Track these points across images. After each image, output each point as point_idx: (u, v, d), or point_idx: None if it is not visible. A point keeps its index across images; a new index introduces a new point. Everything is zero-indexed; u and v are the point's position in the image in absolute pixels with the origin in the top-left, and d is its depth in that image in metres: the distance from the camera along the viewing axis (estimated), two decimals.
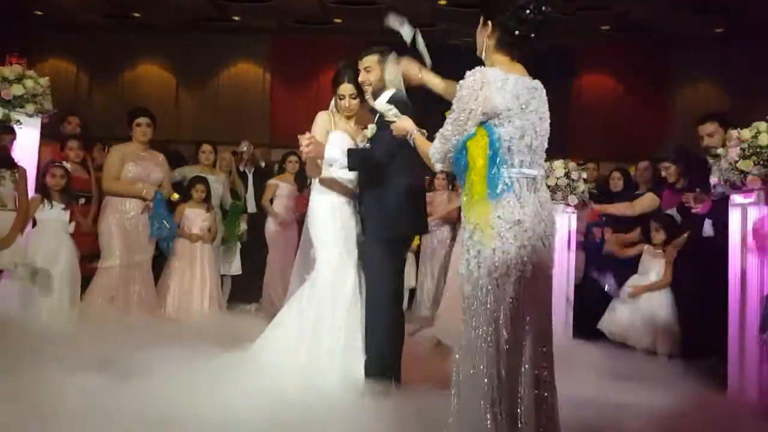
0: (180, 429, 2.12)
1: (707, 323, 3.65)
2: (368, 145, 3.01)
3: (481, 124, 2.16)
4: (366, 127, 3.06)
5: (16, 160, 3.99)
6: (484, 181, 2.12)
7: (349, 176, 3.10)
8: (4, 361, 2.89)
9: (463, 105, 2.17)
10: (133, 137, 4.69)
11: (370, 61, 3.03)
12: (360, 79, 3.07)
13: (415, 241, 6.03)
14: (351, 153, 2.93)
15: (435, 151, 2.25)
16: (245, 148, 6.37)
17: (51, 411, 2.25)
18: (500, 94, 2.15)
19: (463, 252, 2.20)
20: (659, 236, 4.25)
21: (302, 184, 5.64)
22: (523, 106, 2.18)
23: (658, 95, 10.09)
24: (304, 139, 2.86)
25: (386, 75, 2.94)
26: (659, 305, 4.13)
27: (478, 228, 2.12)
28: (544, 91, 2.29)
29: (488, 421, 2.08)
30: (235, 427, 2.24)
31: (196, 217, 5.07)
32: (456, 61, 2.53)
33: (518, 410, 2.10)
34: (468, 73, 2.21)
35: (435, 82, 2.68)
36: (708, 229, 3.77)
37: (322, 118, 3.20)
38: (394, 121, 2.55)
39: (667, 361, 4.01)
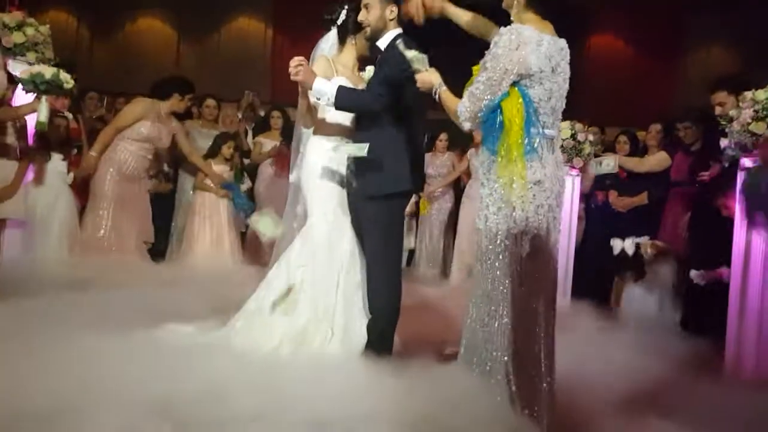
0: (173, 394, 2.05)
1: (711, 295, 3.62)
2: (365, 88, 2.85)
3: (514, 84, 2.16)
4: (364, 70, 2.91)
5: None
6: (521, 141, 2.13)
7: (341, 118, 2.92)
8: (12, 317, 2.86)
9: (497, 64, 2.15)
10: (169, 103, 4.70)
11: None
12: (359, 18, 2.85)
13: (423, 209, 6.00)
14: (341, 89, 2.72)
15: (464, 109, 2.21)
16: (250, 98, 6.29)
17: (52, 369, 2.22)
18: (535, 55, 2.15)
19: (481, 208, 2.26)
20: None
21: (289, 141, 5.50)
22: (554, 68, 2.20)
23: (669, 59, 9.88)
24: (293, 62, 2.70)
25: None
26: (665, 274, 4.16)
27: (510, 186, 2.15)
28: (571, 50, 2.27)
29: (500, 369, 2.15)
30: (229, 389, 2.16)
31: (221, 173, 5.10)
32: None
33: (532, 355, 2.16)
34: (503, 30, 2.18)
35: (458, 14, 2.62)
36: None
37: (321, 64, 2.97)
38: (418, 71, 2.42)
39: (670, 329, 4.04)
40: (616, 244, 3.86)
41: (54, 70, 3.67)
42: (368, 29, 2.83)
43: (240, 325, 2.92)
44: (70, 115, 4.46)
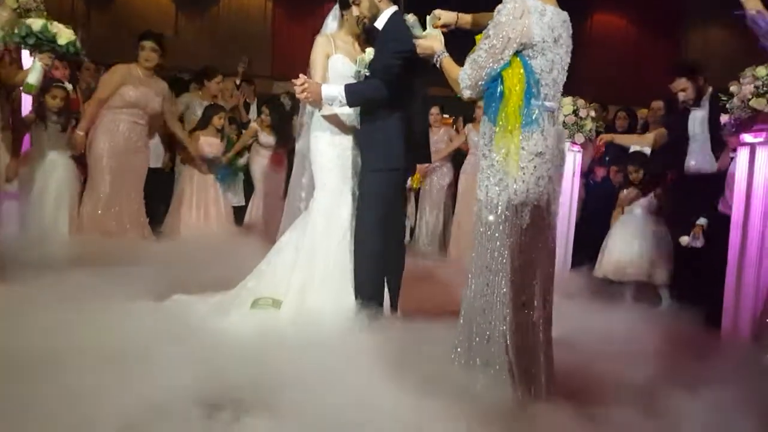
0: (171, 358, 2.11)
1: (699, 257, 3.75)
2: (366, 71, 2.90)
3: (516, 54, 2.15)
4: (365, 51, 2.94)
5: None
6: (519, 111, 2.13)
7: (350, 111, 3.00)
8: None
9: (500, 32, 2.13)
10: (139, 60, 4.52)
11: None
12: (354, 14, 2.95)
13: (415, 183, 5.99)
14: (348, 90, 2.80)
15: (466, 76, 2.20)
16: (244, 64, 6.23)
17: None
18: (539, 24, 2.14)
19: (481, 179, 2.27)
20: (638, 175, 4.42)
21: (283, 137, 5.42)
22: (556, 39, 2.18)
23: (670, 37, 9.82)
24: (297, 83, 2.76)
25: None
26: (654, 236, 4.23)
27: (508, 157, 2.15)
28: (574, 25, 2.26)
29: (498, 339, 2.18)
30: (228, 354, 2.22)
31: (210, 146, 5.05)
32: None
33: (530, 325, 2.19)
34: None
35: (465, 20, 2.60)
36: (691, 165, 3.88)
37: (320, 43, 3.02)
38: (418, 37, 2.42)
39: (662, 290, 4.16)
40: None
41: (43, 21, 3.36)
42: (366, 20, 2.91)
43: (251, 285, 3.01)
44: (70, 86, 4.36)
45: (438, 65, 2.36)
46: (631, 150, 4.63)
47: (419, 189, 6.36)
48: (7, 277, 3.07)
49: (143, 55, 4.50)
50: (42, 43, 3.37)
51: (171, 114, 4.83)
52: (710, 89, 3.88)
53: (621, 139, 4.73)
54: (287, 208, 3.44)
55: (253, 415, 1.86)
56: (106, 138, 4.41)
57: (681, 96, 3.88)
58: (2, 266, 3.22)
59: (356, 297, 2.87)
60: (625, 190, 4.47)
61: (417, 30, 2.43)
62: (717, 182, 3.74)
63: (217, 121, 5.03)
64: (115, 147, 4.43)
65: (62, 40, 3.47)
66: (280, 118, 5.48)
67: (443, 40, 2.44)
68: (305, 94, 2.77)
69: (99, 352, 2.16)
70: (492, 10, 2.21)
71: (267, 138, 5.55)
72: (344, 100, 2.79)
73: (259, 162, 5.60)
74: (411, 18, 2.46)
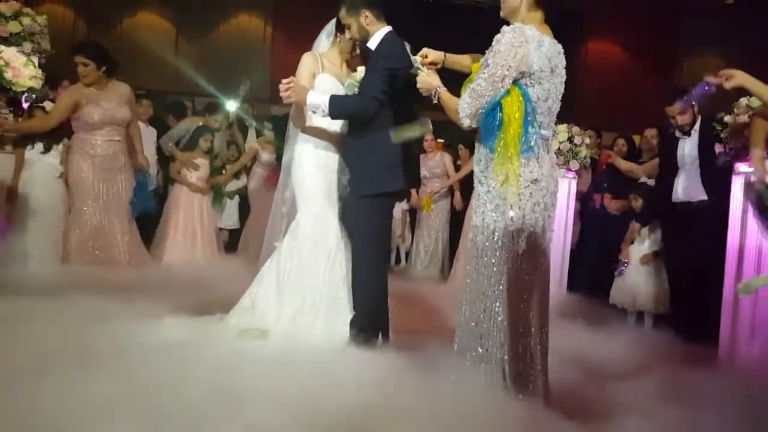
0: (159, 391, 2.02)
1: (693, 285, 3.75)
2: (357, 90, 2.88)
3: (514, 82, 2.19)
4: (356, 70, 2.93)
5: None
6: (518, 138, 2.16)
7: (335, 126, 2.97)
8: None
9: (500, 61, 2.17)
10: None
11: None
12: (347, 37, 2.98)
13: (427, 207, 5.98)
14: (333, 100, 2.76)
15: (466, 106, 2.23)
16: (245, 88, 6.28)
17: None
18: (537, 54, 2.19)
19: (477, 205, 2.30)
20: (638, 204, 4.50)
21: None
22: (553, 69, 2.23)
23: (664, 66, 9.96)
24: (285, 81, 2.74)
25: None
26: (655, 269, 4.29)
27: (506, 183, 2.18)
28: (569, 54, 2.33)
29: (495, 365, 2.17)
30: (216, 387, 2.11)
31: (200, 166, 5.06)
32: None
33: (528, 353, 2.18)
34: (505, 28, 2.21)
35: (464, 63, 2.64)
36: (679, 193, 3.88)
37: (307, 60, 3.00)
38: (418, 74, 2.48)
39: (653, 320, 4.22)
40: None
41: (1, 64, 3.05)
42: (356, 42, 2.94)
43: (234, 321, 2.95)
44: (50, 104, 4.23)
45: (436, 99, 2.40)
46: (641, 180, 4.65)
47: (414, 212, 6.36)
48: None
49: (78, 71, 4.12)
50: None
51: (132, 118, 4.47)
52: (699, 117, 3.88)
53: (622, 163, 4.76)
54: (268, 231, 3.33)
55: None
56: (85, 162, 4.18)
57: (678, 120, 3.86)
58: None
59: (354, 328, 2.81)
60: (634, 221, 4.52)
61: (416, 65, 2.50)
62: (706, 210, 3.73)
63: (203, 143, 5.03)
64: (96, 170, 4.20)
65: (18, 87, 3.24)
66: (283, 135, 5.50)
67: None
68: (289, 92, 2.72)
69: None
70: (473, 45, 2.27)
71: (269, 156, 5.56)
72: (326, 110, 2.74)
73: (258, 183, 5.62)
74: (414, 58, 2.52)
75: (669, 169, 3.98)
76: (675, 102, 3.73)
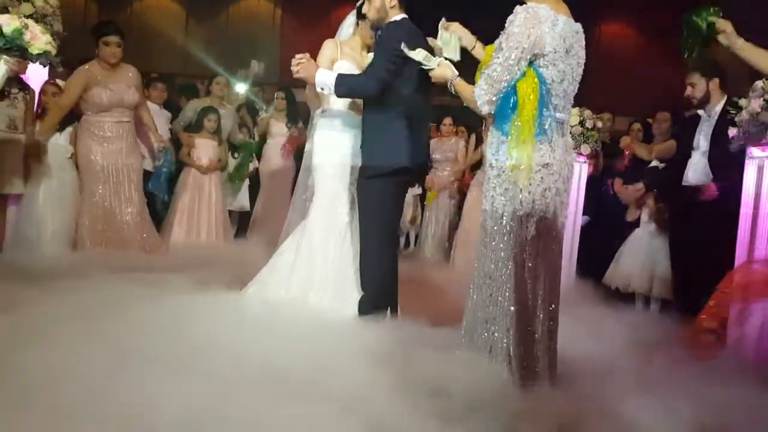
0: (171, 362, 2.08)
1: (699, 271, 3.65)
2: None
3: (529, 64, 2.15)
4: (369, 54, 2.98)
5: (26, 81, 3.95)
6: (533, 121, 2.12)
7: (341, 103, 3.02)
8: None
9: (514, 43, 2.13)
10: (100, 56, 4.22)
11: None
12: (362, 10, 3.00)
13: (429, 199, 6.00)
14: (338, 78, 2.79)
15: (482, 93, 2.20)
16: (256, 68, 6.26)
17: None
18: (550, 34, 2.15)
19: (487, 189, 2.26)
20: (650, 202, 4.45)
21: (293, 119, 5.56)
22: (568, 50, 2.18)
23: (678, 49, 9.78)
24: (297, 56, 2.80)
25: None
26: (658, 252, 4.27)
27: (518, 167, 2.14)
28: (584, 35, 2.26)
29: (501, 350, 2.17)
30: (224, 359, 2.17)
31: (205, 148, 5.05)
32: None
33: (534, 338, 2.18)
34: (518, 8, 2.17)
35: (478, 51, 2.62)
36: (689, 177, 3.82)
37: (327, 46, 3.06)
38: (432, 68, 2.46)
39: (660, 305, 4.21)
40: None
41: (16, 26, 3.09)
42: (373, 23, 2.93)
43: (252, 290, 3.05)
44: (62, 83, 4.30)
45: (453, 91, 2.38)
46: (652, 164, 4.60)
47: (425, 195, 6.35)
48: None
49: (108, 51, 4.18)
50: (11, 47, 3.14)
51: (142, 101, 4.50)
52: (724, 99, 3.74)
53: (640, 150, 4.71)
54: (291, 211, 3.45)
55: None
56: (94, 144, 4.19)
57: (688, 90, 3.77)
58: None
59: (363, 309, 2.84)
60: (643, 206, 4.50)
61: (428, 62, 2.46)
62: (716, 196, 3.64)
63: (208, 124, 5.03)
64: (105, 152, 4.21)
65: (34, 49, 3.24)
66: (292, 102, 5.62)
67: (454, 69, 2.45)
68: (299, 68, 2.79)
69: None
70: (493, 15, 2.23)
71: (279, 126, 5.57)
72: (332, 88, 2.79)
73: (270, 162, 5.62)
74: (420, 54, 2.49)
75: (684, 152, 3.91)
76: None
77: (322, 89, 2.85)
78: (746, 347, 2.81)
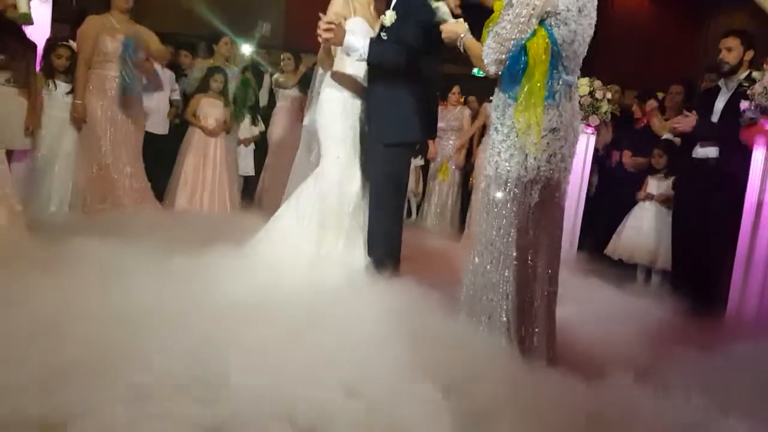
0: (176, 320, 2.10)
1: (700, 244, 3.68)
2: (384, 34, 2.83)
3: (540, 23, 2.06)
4: (385, 14, 2.85)
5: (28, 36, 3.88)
6: (543, 84, 2.04)
7: (361, 72, 2.96)
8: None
9: (524, 0, 2.03)
10: (113, 4, 4.20)
11: None
12: None
13: (444, 176, 5.94)
14: (374, 45, 2.71)
15: (490, 51, 2.11)
16: (263, 29, 6.16)
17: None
18: None
19: (491, 154, 2.20)
20: (662, 161, 4.41)
21: (304, 87, 5.49)
22: (580, 9, 2.09)
23: (692, 21, 9.59)
24: (323, 23, 2.65)
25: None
26: (663, 224, 4.25)
27: (528, 131, 2.07)
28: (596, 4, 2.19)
29: (501, 315, 2.17)
30: (232, 318, 2.18)
31: (211, 109, 4.98)
32: None
33: (532, 306, 2.17)
34: None
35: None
36: (699, 151, 3.77)
37: (338, 2, 2.95)
38: (444, 21, 2.38)
39: (661, 277, 4.23)
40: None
41: None
42: None
43: (249, 251, 3.00)
44: (74, 44, 4.26)
45: (462, 48, 2.30)
46: (664, 137, 4.54)
47: (428, 165, 6.31)
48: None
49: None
50: None
51: (158, 47, 4.45)
52: (747, 72, 3.65)
53: (658, 125, 4.66)
54: (292, 176, 3.40)
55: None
56: (97, 101, 4.16)
57: (724, 55, 3.67)
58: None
59: (371, 269, 2.86)
60: (650, 177, 4.45)
61: (443, 15, 2.39)
62: (719, 169, 3.63)
63: (214, 84, 4.96)
64: (108, 110, 4.17)
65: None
66: (298, 60, 5.64)
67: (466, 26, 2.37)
68: (329, 34, 2.65)
69: None
70: None
71: (290, 88, 5.53)
72: (365, 55, 2.70)
73: (280, 125, 5.55)
74: (438, 3, 2.40)
75: (700, 124, 3.78)
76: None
77: (348, 54, 2.76)
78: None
